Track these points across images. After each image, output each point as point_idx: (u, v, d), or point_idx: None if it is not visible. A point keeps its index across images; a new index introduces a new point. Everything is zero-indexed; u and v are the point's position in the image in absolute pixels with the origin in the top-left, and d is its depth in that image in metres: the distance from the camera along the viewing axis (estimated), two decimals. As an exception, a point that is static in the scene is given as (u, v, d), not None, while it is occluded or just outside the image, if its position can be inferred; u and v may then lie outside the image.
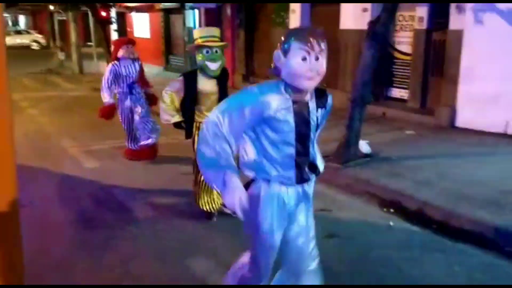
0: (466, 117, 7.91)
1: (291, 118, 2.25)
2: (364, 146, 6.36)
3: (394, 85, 9.68)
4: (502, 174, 5.49)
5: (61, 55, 20.51)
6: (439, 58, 8.58)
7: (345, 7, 10.10)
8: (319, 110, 2.46)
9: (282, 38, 2.27)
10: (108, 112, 6.41)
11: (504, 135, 7.35)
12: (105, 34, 15.20)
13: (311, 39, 2.17)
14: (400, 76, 9.52)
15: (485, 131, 7.54)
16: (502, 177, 5.37)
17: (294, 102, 2.26)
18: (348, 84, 9.83)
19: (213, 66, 4.10)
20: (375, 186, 5.35)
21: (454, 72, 8.02)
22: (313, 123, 2.39)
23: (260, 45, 13.60)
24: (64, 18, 21.57)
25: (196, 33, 4.23)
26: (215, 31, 4.23)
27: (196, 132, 4.22)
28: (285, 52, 2.20)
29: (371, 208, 4.98)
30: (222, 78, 4.29)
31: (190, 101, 4.20)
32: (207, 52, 4.05)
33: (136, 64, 6.42)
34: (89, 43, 21.23)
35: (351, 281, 3.54)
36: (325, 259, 3.84)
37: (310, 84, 2.23)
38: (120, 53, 6.28)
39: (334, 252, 3.99)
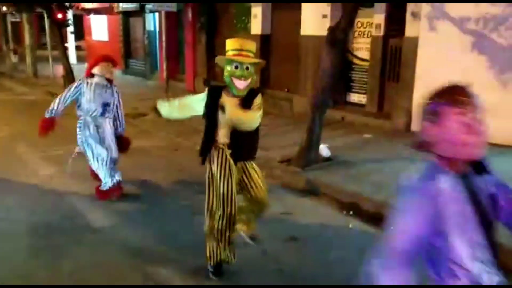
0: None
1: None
2: (324, 150, 6.46)
3: (353, 90, 9.89)
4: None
5: (14, 58, 19.77)
6: (395, 64, 8.84)
7: (305, 13, 10.24)
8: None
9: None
10: (49, 125, 5.51)
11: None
12: (61, 36, 14.78)
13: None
14: (358, 81, 9.73)
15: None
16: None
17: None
18: (308, 89, 9.95)
19: (240, 84, 3.47)
20: (334, 189, 5.44)
21: (409, 77, 8.28)
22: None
23: (222, 49, 13.53)
24: (18, 19, 20.81)
25: (229, 44, 3.61)
26: (251, 45, 3.60)
27: (215, 155, 3.55)
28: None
29: (330, 211, 5.05)
30: (248, 99, 3.56)
31: (211, 119, 3.54)
32: (236, 67, 3.44)
33: (114, 89, 5.41)
34: (44, 46, 20.57)
35: (312, 283, 3.57)
36: (286, 262, 3.89)
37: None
38: (96, 70, 5.22)
39: (294, 255, 4.03)
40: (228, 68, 3.48)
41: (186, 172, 6.42)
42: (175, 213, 4.91)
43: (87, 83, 5.21)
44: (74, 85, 5.30)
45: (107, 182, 5.20)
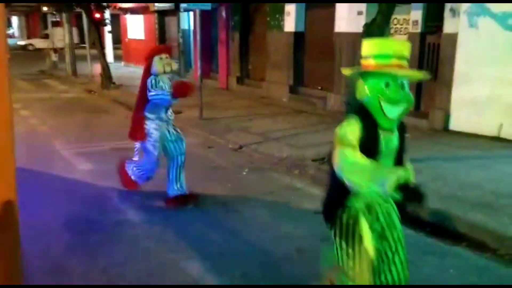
0: (459, 120, 7.94)
1: None
2: (358, 148, 6.35)
3: (388, 88, 9.70)
4: (495, 177, 5.51)
5: (54, 57, 20.40)
6: (433, 61, 8.63)
7: (340, 10, 10.13)
8: None
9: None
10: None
11: (497, 138, 7.39)
12: (99, 35, 15.16)
13: None
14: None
15: (478, 134, 7.57)
16: (496, 180, 5.39)
17: None
18: (343, 87, 9.85)
19: (394, 111, 2.30)
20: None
21: (448, 75, 8.06)
22: None
23: (255, 47, 13.61)
24: (58, 19, 21.46)
25: (370, 47, 2.38)
26: (403, 46, 2.36)
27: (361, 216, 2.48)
28: None
29: (366, 210, 4.97)
30: (400, 128, 2.47)
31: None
32: (387, 84, 2.27)
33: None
34: (82, 45, 21.13)
35: (347, 284, 3.53)
36: (320, 262, 3.86)
37: None
38: (155, 67, 4.73)
39: (329, 255, 3.99)
40: (374, 85, 2.28)
41: (219, 169, 6.47)
42: (209, 209, 4.95)
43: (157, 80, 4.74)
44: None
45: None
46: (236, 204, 5.11)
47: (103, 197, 5.30)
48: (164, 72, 4.73)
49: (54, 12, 20.23)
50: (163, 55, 4.76)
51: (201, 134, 8.33)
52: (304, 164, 6.36)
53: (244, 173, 6.27)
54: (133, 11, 20.42)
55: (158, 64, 4.69)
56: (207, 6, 13.42)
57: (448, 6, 8.00)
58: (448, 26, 8.05)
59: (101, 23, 15.29)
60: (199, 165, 6.51)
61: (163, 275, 3.63)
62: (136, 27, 21.12)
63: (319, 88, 11.16)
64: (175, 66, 4.99)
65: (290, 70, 11.89)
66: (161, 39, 19.01)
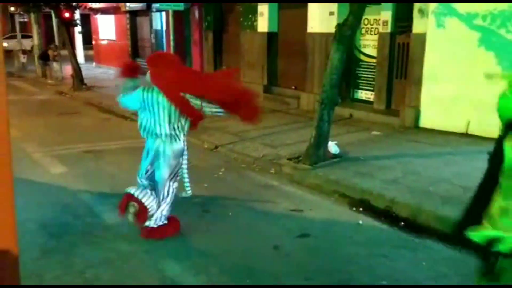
0: (429, 117, 8.16)
1: None
2: (332, 147, 6.48)
3: (360, 87, 9.88)
4: (464, 172, 5.69)
5: (22, 58, 19.92)
6: (403, 60, 8.83)
7: (312, 11, 10.25)
8: None
9: None
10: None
11: (465, 135, 7.63)
12: (69, 36, 14.89)
13: None
14: (366, 78, 9.73)
15: (448, 131, 7.80)
16: (464, 174, 5.57)
17: None
18: (316, 87, 9.97)
19: None
20: (344, 185, 5.46)
21: (417, 74, 8.27)
22: None
23: (229, 47, 13.62)
24: (26, 19, 20.96)
25: None
26: None
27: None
28: None
29: (340, 207, 5.07)
30: None
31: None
32: None
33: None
34: (50, 46, 20.70)
35: (324, 279, 3.60)
36: (297, 258, 3.93)
37: None
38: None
39: (306, 251, 4.06)
40: None
41: (195, 170, 6.46)
42: (186, 210, 4.95)
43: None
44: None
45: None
46: (212, 204, 5.13)
47: (77, 200, 5.24)
48: None
49: (22, 12, 19.73)
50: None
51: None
52: (279, 163, 6.43)
53: (220, 173, 6.29)
54: (104, 11, 20.13)
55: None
56: (180, 6, 13.40)
57: (416, 6, 8.21)
58: (417, 26, 8.26)
59: (71, 23, 15.02)
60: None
61: (139, 276, 3.62)
62: (107, 27, 20.83)
63: (293, 87, 11.27)
64: None
65: (264, 70, 11.96)
66: (133, 39, 18.80)
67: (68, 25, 14.78)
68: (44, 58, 16.82)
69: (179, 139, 4.24)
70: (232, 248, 4.09)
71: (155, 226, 4.24)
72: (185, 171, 4.43)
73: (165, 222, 4.29)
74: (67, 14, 14.41)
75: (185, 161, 4.41)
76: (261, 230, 4.49)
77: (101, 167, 6.54)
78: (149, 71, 4.14)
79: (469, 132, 7.64)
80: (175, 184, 4.33)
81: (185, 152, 4.37)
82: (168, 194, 4.24)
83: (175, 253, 4.00)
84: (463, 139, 7.42)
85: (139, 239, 4.24)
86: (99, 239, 4.26)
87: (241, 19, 12.54)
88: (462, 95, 7.66)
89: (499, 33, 7.15)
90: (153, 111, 4.06)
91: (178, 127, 4.18)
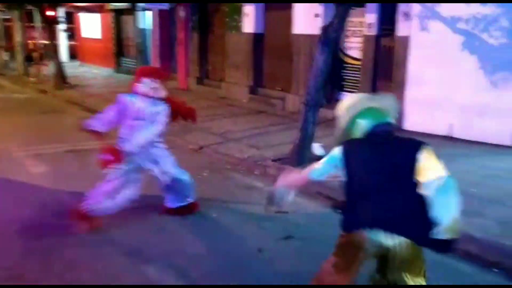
0: (413, 120, 8.23)
1: None
2: (317, 148, 6.48)
3: (345, 89, 9.93)
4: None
5: (5, 56, 19.58)
6: (387, 63, 8.89)
7: (297, 12, 10.27)
8: None
9: None
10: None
11: (448, 138, 7.71)
12: (52, 34, 14.68)
13: None
14: (350, 80, 9.78)
15: (431, 133, 7.87)
16: (447, 177, 5.63)
17: None
18: (301, 88, 9.99)
19: None
20: (328, 188, 5.46)
21: (401, 77, 8.34)
22: None
23: (214, 47, 13.58)
24: (8, 16, 20.60)
25: None
26: None
27: None
28: None
29: (325, 209, 5.08)
30: None
31: None
32: None
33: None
34: (33, 41, 20.38)
35: (309, 281, 3.58)
36: (281, 260, 3.91)
37: None
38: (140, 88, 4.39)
39: (292, 253, 4.05)
40: None
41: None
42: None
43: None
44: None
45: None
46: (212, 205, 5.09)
47: (57, 200, 5.15)
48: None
49: (4, 10, 19.39)
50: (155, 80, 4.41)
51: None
52: (264, 164, 6.42)
53: (205, 174, 6.25)
54: (88, 9, 19.90)
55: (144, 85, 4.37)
56: (164, 6, 13.30)
57: (401, 9, 8.28)
58: (401, 29, 8.33)
59: (54, 21, 14.80)
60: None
61: (121, 278, 3.57)
62: (92, 25, 20.60)
63: (278, 89, 11.27)
64: (161, 93, 4.45)
65: (250, 71, 11.94)
66: (118, 38, 18.62)
67: (52, 23, 14.57)
68: (29, 59, 16.65)
69: None
70: (216, 250, 4.06)
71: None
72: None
73: None
74: (51, 13, 14.21)
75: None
76: (245, 232, 4.47)
77: (82, 167, 6.44)
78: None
79: (453, 135, 7.73)
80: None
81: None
82: None
83: (157, 254, 3.95)
84: (446, 142, 7.50)
85: (120, 241, 4.19)
86: (79, 240, 4.18)
87: (227, 19, 12.51)
88: (446, 98, 7.74)
89: (481, 37, 7.25)
90: None
91: None
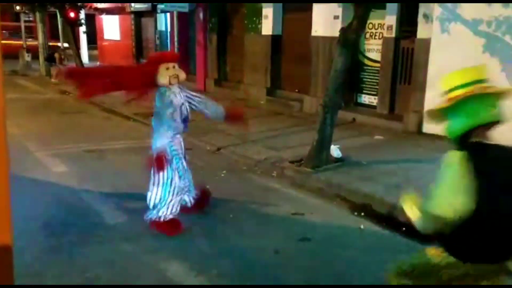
0: (433, 123, 8.12)
1: None
2: (335, 150, 6.46)
3: (364, 91, 9.87)
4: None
5: (27, 57, 19.96)
6: (407, 65, 8.82)
7: (317, 14, 10.25)
8: None
9: None
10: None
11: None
12: (74, 35, 14.94)
13: None
14: (369, 82, 9.71)
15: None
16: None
17: None
18: (319, 90, 9.97)
19: None
20: (346, 190, 5.44)
21: (421, 79, 8.25)
22: None
23: (233, 49, 13.63)
24: (31, 18, 21.05)
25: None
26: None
27: None
28: None
29: (342, 211, 5.06)
30: None
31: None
32: None
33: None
34: (54, 44, 20.77)
35: (324, 283, 3.58)
36: (298, 261, 3.91)
37: None
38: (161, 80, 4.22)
39: (307, 255, 4.05)
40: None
41: (197, 171, 6.45)
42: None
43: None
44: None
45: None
46: (214, 206, 5.11)
47: (78, 199, 5.24)
48: (171, 84, 4.24)
49: (27, 12, 19.80)
50: (170, 65, 4.25)
51: (179, 136, 8.29)
52: (281, 166, 6.42)
53: (222, 175, 6.28)
54: (109, 11, 20.19)
55: (163, 76, 4.19)
56: (184, 8, 13.41)
57: (421, 12, 8.21)
58: (422, 31, 8.25)
59: (75, 23, 15.06)
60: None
61: (141, 276, 3.62)
62: (112, 27, 20.88)
63: (296, 91, 11.26)
64: (183, 76, 4.34)
65: (268, 73, 11.96)
66: (138, 40, 18.85)
67: (73, 25, 14.82)
68: (50, 60, 16.94)
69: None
70: (233, 251, 4.08)
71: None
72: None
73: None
74: (72, 14, 14.46)
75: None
76: (262, 233, 4.48)
77: (103, 166, 6.55)
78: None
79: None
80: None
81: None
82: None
83: (176, 254, 3.98)
84: (466, 145, 7.39)
85: (141, 240, 4.24)
86: (100, 239, 4.25)
87: (246, 21, 12.55)
88: (466, 101, 7.63)
89: (504, 39, 7.13)
90: None
91: None
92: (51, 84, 15.76)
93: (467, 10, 7.50)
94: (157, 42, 17.03)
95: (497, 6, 7.09)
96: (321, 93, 8.58)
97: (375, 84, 9.53)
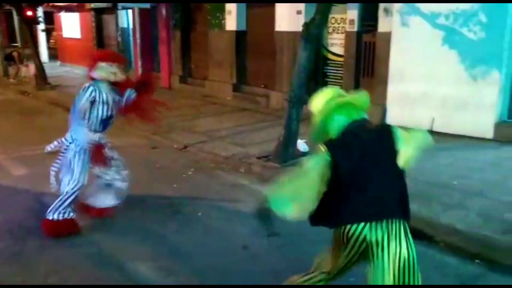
0: (395, 115, 8.31)
1: None
2: (301, 145, 6.52)
3: (328, 85, 9.98)
4: (428, 168, 5.83)
5: (-17, 57, 19.17)
6: (369, 59, 8.97)
7: (280, 9, 10.29)
8: None
9: None
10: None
11: (430, 132, 7.79)
12: (31, 34, 14.45)
13: None
14: (333, 76, 9.83)
15: (413, 128, 7.96)
16: (429, 171, 5.71)
17: None
18: (285, 85, 10.02)
19: None
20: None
21: (383, 72, 8.42)
22: None
23: (197, 46, 13.52)
24: (-14, 17, 20.23)
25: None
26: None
27: None
28: None
29: (310, 205, 5.10)
30: None
31: None
32: None
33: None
34: (14, 44, 20.06)
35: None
36: (268, 257, 3.93)
37: None
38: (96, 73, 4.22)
39: (276, 250, 4.07)
40: None
41: (164, 170, 6.39)
42: (155, 212, 4.89)
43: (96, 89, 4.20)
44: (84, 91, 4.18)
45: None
46: (182, 204, 5.08)
47: (41, 202, 5.08)
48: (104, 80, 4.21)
49: (-19, 10, 19.03)
50: (113, 64, 4.23)
51: (145, 134, 8.17)
52: (249, 162, 6.43)
53: (190, 173, 6.24)
54: (68, 9, 19.62)
55: (100, 70, 4.19)
56: (145, 4, 13.20)
57: (382, 6, 8.36)
58: (382, 25, 8.40)
59: (33, 21, 14.57)
60: (144, 166, 6.40)
61: (110, 279, 3.55)
62: (72, 25, 20.32)
63: (262, 86, 11.28)
64: (121, 77, 4.30)
65: (233, 69, 11.93)
66: (99, 38, 18.41)
67: (31, 23, 14.34)
68: (9, 59, 16.36)
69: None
70: (202, 249, 4.06)
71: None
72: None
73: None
74: (29, 13, 13.98)
75: None
76: (230, 230, 4.47)
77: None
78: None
79: (434, 129, 7.83)
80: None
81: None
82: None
83: (144, 254, 3.94)
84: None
85: (106, 241, 4.16)
86: (64, 242, 4.14)
87: (209, 17, 12.46)
88: (427, 93, 7.84)
89: (461, 31, 7.35)
90: None
91: None
92: (10, 85, 15.22)
93: (425, 4, 7.69)
94: (119, 39, 16.68)
95: (453, -1, 7.29)
96: (287, 88, 8.61)
97: (339, 78, 9.65)
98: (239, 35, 11.68)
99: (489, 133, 7.25)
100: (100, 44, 18.43)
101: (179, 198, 5.26)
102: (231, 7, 11.60)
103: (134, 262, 3.80)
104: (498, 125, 7.22)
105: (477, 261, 3.84)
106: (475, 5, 7.13)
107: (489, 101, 7.22)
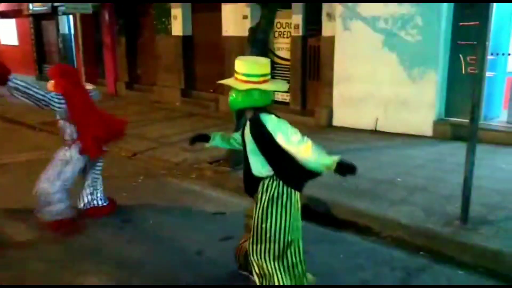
0: (341, 116, 8.58)
1: None
2: (252, 148, 6.56)
3: (277, 88, 10.11)
4: (374, 166, 6.06)
5: None
6: (315, 62, 9.20)
7: (226, 14, 10.33)
8: None
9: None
10: None
11: (374, 131, 8.12)
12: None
13: None
14: (281, 80, 9.97)
15: (358, 128, 8.25)
16: (374, 168, 5.93)
17: None
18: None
19: None
20: (264, 186, 5.55)
21: (329, 75, 8.66)
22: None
23: (144, 51, 13.31)
24: None
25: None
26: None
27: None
28: None
29: (262, 207, 5.15)
30: None
31: None
32: None
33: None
34: None
35: (248, 280, 3.64)
36: (223, 261, 3.94)
37: None
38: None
39: (229, 254, 4.08)
40: None
41: (113, 178, 6.22)
42: (105, 221, 4.77)
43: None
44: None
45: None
46: (132, 213, 4.99)
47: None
48: None
49: None
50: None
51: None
52: (200, 167, 6.41)
53: (140, 180, 6.13)
54: (3, 14, 18.71)
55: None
56: (87, 9, 12.83)
57: (325, 10, 8.60)
58: (326, 30, 8.65)
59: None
60: (90, 176, 6.20)
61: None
62: (8, 31, 19.39)
63: (211, 91, 11.26)
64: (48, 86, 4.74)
65: (181, 74, 11.84)
66: (39, 44, 17.68)
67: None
68: None
69: None
70: (155, 258, 4.00)
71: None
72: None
73: None
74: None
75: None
76: (183, 236, 4.44)
77: (8, 181, 6.08)
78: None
79: (378, 128, 8.15)
80: None
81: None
82: None
83: (94, 267, 3.83)
84: (373, 136, 7.89)
85: (53, 256, 4.01)
86: (7, 259, 3.96)
87: (155, 22, 12.31)
88: (370, 94, 8.15)
89: (400, 35, 7.70)
90: None
91: None
92: None
93: (366, 8, 7.99)
94: (61, 46, 16.09)
95: (392, 4, 7.63)
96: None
97: (286, 81, 9.80)
98: (186, 40, 11.62)
99: (428, 131, 7.63)
100: (41, 51, 17.73)
101: (129, 207, 5.16)
102: (176, 12, 11.52)
103: (83, 276, 3.69)
104: (437, 123, 7.62)
105: (421, 253, 4.03)
106: (412, 9, 7.50)
107: (428, 100, 7.60)
